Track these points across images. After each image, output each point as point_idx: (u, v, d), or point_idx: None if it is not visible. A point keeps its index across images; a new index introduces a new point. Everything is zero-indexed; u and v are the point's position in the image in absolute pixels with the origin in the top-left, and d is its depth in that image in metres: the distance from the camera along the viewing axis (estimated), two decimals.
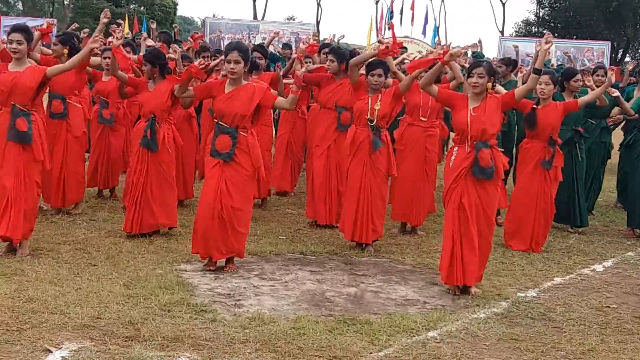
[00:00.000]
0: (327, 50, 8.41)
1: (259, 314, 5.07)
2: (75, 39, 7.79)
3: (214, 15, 50.58)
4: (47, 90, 7.46)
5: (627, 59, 52.95)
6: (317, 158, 7.98)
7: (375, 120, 6.94)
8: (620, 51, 53.34)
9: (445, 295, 5.83)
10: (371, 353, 4.55)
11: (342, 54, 7.93)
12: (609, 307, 5.76)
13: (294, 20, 62.97)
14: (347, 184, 7.23)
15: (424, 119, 7.78)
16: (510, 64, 9.47)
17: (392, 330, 4.92)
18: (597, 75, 8.93)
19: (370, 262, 6.76)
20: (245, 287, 5.76)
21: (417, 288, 6.03)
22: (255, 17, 54.84)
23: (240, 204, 6.05)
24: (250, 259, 6.59)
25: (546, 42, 6.08)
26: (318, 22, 56.38)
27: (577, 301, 5.85)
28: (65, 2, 55.26)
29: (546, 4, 55.86)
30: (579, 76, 8.21)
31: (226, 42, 28.91)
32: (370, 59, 7.21)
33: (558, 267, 6.91)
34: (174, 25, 17.38)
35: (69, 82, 7.63)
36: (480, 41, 12.30)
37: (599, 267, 7.01)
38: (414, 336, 4.86)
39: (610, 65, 35.08)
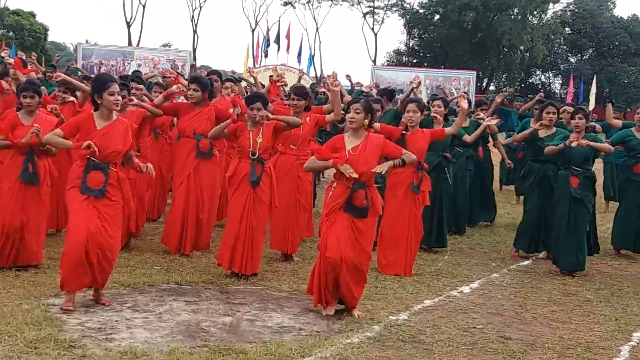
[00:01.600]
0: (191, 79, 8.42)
1: (131, 347, 4.95)
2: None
3: (87, 41, 49.50)
4: None
5: (492, 87, 55.76)
6: (176, 188, 7.96)
7: (257, 154, 6.99)
8: (485, 80, 56.06)
9: (321, 321, 5.90)
10: None
11: (205, 83, 7.99)
12: (476, 327, 6.00)
13: (169, 47, 62.47)
14: (228, 214, 7.24)
15: (294, 147, 7.91)
16: (387, 93, 9.89)
17: (267, 358, 4.93)
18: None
19: (247, 291, 6.76)
20: (117, 320, 5.62)
21: (292, 315, 6.07)
22: (130, 44, 54.03)
23: (115, 236, 5.93)
24: (123, 291, 6.44)
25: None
26: (194, 49, 56.21)
27: (445, 323, 6.06)
28: None
29: (415, 35, 58.09)
30: (435, 102, 8.85)
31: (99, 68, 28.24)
32: (252, 94, 7.44)
33: (428, 290, 7.13)
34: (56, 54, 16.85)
35: None
36: (349, 75, 12.87)
37: (466, 289, 7.29)
38: None
39: (476, 93, 36.81)
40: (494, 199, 11.24)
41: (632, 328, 6.27)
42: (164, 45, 63.94)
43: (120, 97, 5.93)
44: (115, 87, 5.84)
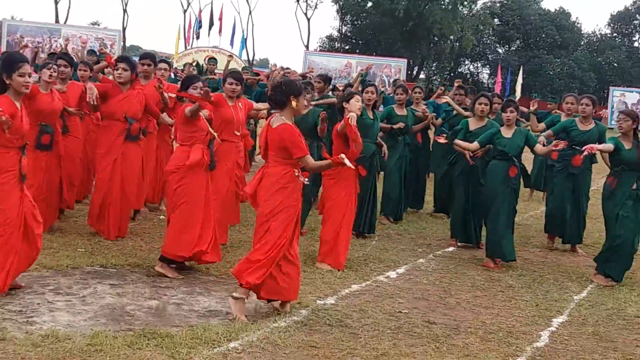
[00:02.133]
0: (120, 58, 8.18)
1: (53, 330, 4.85)
2: None
3: (12, 17, 47.85)
4: None
5: (422, 75, 56.49)
6: (101, 170, 7.80)
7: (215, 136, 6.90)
8: (416, 68, 56.72)
9: (248, 305, 5.86)
10: None
11: (134, 63, 7.80)
12: (401, 312, 6.09)
13: (98, 25, 60.99)
14: (188, 200, 6.70)
15: (237, 133, 7.72)
16: (327, 80, 10.00)
17: (194, 342, 4.89)
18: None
19: None
20: (38, 303, 5.48)
21: (220, 299, 6.04)
22: (57, 21, 52.58)
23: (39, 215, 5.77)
24: (46, 273, 6.29)
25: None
26: (124, 29, 55.05)
27: (372, 307, 6.12)
28: None
29: (348, 21, 58.27)
30: (368, 89, 8.81)
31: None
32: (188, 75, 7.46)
33: (355, 275, 7.19)
34: None
35: None
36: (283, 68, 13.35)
37: (392, 274, 7.38)
38: (216, 347, 4.86)
39: (407, 81, 37.25)
40: (425, 188, 11.37)
41: (552, 314, 6.46)
42: (92, 24, 62.50)
43: (31, 80, 5.59)
44: (27, 68, 5.51)
